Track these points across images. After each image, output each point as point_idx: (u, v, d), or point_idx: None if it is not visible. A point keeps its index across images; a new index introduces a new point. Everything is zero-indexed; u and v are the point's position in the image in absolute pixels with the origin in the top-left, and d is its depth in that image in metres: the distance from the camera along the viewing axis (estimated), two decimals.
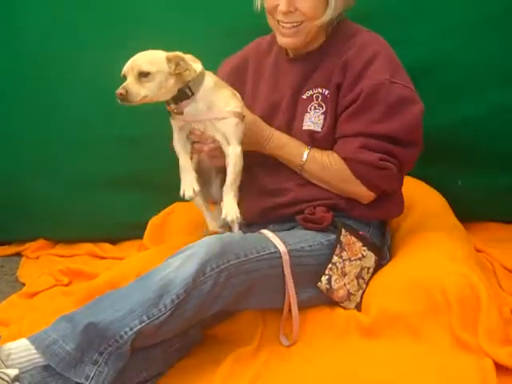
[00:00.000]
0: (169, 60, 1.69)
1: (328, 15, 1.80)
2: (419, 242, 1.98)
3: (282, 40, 1.87)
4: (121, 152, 2.54)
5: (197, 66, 1.78)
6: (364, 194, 1.85)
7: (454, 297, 1.65)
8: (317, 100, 1.88)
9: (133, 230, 2.64)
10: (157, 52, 1.74)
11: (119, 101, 1.67)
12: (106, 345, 1.47)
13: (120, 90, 1.65)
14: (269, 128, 1.90)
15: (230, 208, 1.79)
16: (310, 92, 1.89)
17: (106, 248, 2.71)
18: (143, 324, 1.50)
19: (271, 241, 1.74)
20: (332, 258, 1.79)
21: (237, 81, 2.00)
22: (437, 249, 1.90)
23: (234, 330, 1.82)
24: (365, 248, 1.85)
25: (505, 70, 2.22)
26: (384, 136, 1.77)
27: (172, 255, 1.66)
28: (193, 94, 1.75)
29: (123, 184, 2.60)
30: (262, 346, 1.75)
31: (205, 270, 1.57)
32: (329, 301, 1.81)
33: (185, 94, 1.75)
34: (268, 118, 1.93)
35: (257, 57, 2.06)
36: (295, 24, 1.80)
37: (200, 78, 1.77)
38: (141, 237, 2.52)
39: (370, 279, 1.86)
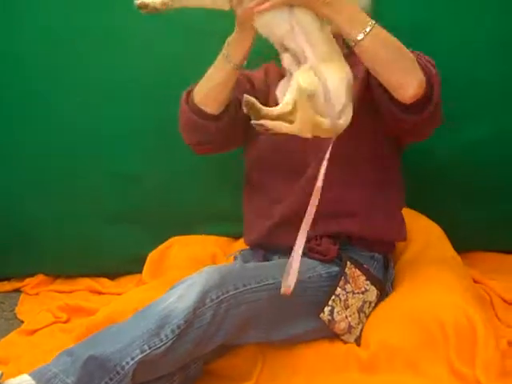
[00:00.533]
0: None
1: None
2: (417, 275, 1.98)
3: None
4: (120, 188, 2.55)
5: None
6: (420, 82, 1.66)
7: (451, 329, 1.65)
8: None
9: (132, 265, 2.64)
10: None
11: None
12: (108, 378, 1.46)
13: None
14: None
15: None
16: None
17: (105, 283, 2.71)
18: (144, 353, 1.49)
19: (269, 271, 1.75)
20: (336, 289, 1.79)
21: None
22: (435, 282, 1.90)
23: (233, 365, 1.80)
24: (368, 282, 1.86)
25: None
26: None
27: (172, 287, 1.67)
28: None
29: (122, 219, 2.60)
30: (260, 381, 1.75)
31: (205, 300, 1.58)
32: (327, 334, 1.81)
33: None
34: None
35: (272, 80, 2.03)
36: None
37: None
38: (140, 271, 2.53)
39: (370, 313, 1.87)
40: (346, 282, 1.81)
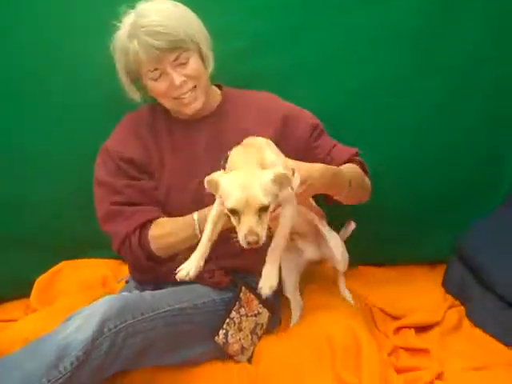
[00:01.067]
0: (275, 181, 1.52)
1: (208, 71, 1.92)
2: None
3: (189, 108, 1.90)
4: (4, 212, 2.47)
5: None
6: (369, 184, 2.06)
7: (338, 344, 1.78)
8: None
9: (18, 290, 2.55)
10: (262, 173, 1.54)
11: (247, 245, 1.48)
12: None
13: (251, 239, 1.46)
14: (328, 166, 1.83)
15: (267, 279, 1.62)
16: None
17: None
18: None
19: (165, 299, 1.78)
20: (231, 313, 1.86)
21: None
22: (322, 302, 2.08)
23: None
24: (261, 305, 1.93)
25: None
26: None
27: (68, 317, 1.67)
28: None
29: (6, 243, 2.52)
30: None
31: (103, 330, 1.59)
32: (220, 354, 1.87)
33: None
34: (186, 185, 1.93)
35: (146, 132, 2.00)
36: (191, 89, 1.87)
37: None
38: (27, 296, 2.46)
39: (262, 335, 1.95)
40: (241, 306, 1.88)
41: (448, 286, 2.46)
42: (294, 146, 1.95)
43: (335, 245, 2.05)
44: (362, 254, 2.54)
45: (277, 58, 2.28)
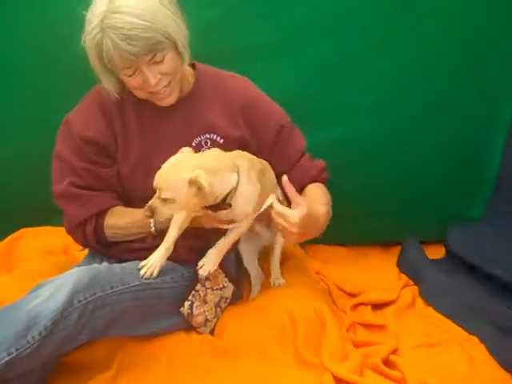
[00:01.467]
0: (191, 183, 1.58)
1: (185, 63, 1.82)
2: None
3: (163, 102, 1.86)
4: None
5: (232, 177, 1.68)
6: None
7: (300, 321, 1.84)
8: (206, 145, 1.91)
9: None
10: (181, 171, 1.60)
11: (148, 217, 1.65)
12: None
13: (147, 213, 1.61)
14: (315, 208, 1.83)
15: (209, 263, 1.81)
16: (199, 139, 1.90)
17: None
18: (11, 356, 1.48)
19: (136, 272, 1.79)
20: (196, 285, 1.89)
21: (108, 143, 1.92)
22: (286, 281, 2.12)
23: (92, 357, 1.83)
24: (226, 279, 1.97)
25: (351, 103, 2.42)
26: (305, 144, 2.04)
27: (38, 285, 1.66)
28: (230, 206, 1.71)
29: None
30: (120, 371, 1.78)
31: (72, 302, 1.59)
32: (186, 326, 1.90)
33: (221, 206, 1.70)
34: (151, 169, 1.80)
35: (114, 109, 1.92)
36: (166, 84, 1.80)
37: (235, 189, 1.69)
38: None
39: (226, 307, 1.99)
40: (207, 278, 1.91)
41: (402, 266, 2.56)
42: (256, 146, 1.97)
43: None
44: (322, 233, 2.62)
45: (254, 30, 2.29)
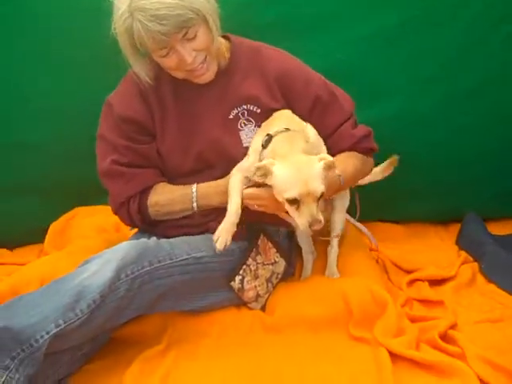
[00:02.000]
0: (324, 168, 1.63)
1: (217, 37, 1.80)
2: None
3: (202, 79, 1.84)
4: (16, 158, 2.47)
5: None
6: (372, 163, 2.06)
7: (355, 304, 1.79)
8: (243, 116, 1.89)
9: (31, 236, 2.58)
10: (314, 161, 1.63)
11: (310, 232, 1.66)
12: (20, 349, 1.45)
13: (317, 227, 1.59)
14: None
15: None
16: (235, 111, 1.89)
17: (4, 254, 2.61)
18: (59, 328, 1.49)
19: (183, 247, 1.78)
20: (247, 259, 1.86)
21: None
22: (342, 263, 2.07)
23: (142, 331, 1.83)
24: (278, 254, 1.94)
25: (389, 83, 2.36)
26: (352, 111, 1.98)
27: (86, 261, 1.67)
28: None
29: (20, 190, 2.53)
30: (170, 345, 1.78)
31: (120, 276, 1.60)
32: (237, 302, 1.88)
33: None
34: (187, 148, 1.90)
35: (151, 89, 1.91)
36: (203, 60, 1.79)
37: None
38: (40, 242, 2.49)
39: (277, 284, 1.96)
40: (258, 253, 1.89)
41: (462, 242, 2.46)
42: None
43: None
44: (378, 210, 2.55)
45: (301, 3, 2.26)
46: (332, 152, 1.86)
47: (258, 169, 1.61)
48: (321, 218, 1.58)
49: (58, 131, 2.42)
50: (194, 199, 1.85)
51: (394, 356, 1.64)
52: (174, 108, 1.91)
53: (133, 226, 2.02)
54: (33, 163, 2.48)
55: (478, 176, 2.57)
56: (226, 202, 1.75)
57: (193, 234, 1.87)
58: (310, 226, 1.57)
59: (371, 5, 2.26)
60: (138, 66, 1.82)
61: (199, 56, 1.76)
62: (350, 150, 1.95)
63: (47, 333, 1.47)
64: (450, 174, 2.55)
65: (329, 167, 1.63)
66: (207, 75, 1.83)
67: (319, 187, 1.59)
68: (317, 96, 1.91)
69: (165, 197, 1.90)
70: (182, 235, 1.87)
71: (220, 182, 1.84)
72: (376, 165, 2.17)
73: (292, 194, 1.57)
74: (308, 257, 2.10)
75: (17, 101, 2.39)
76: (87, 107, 2.27)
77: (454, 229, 2.61)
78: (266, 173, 1.62)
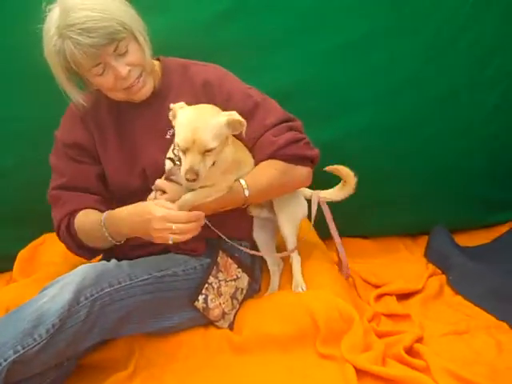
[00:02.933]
0: (228, 124, 1.63)
1: (148, 54, 1.82)
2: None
3: (139, 95, 1.85)
4: None
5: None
6: (304, 172, 1.95)
7: (322, 321, 1.77)
8: None
9: (0, 264, 2.56)
10: (215, 115, 1.63)
11: (188, 182, 1.58)
12: None
13: (189, 176, 1.56)
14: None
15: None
16: (172, 130, 1.84)
17: None
18: (17, 354, 1.48)
19: (144, 267, 1.77)
20: (208, 278, 1.85)
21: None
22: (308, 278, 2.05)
23: (109, 357, 1.82)
24: (239, 270, 1.94)
25: (356, 96, 2.38)
26: (280, 120, 1.92)
27: (45, 286, 1.66)
28: None
29: None
30: (137, 370, 1.77)
31: (79, 298, 1.59)
32: (204, 321, 1.87)
33: None
34: (131, 167, 1.90)
35: (90, 113, 1.93)
36: (138, 76, 1.81)
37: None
38: (9, 270, 2.44)
39: (243, 300, 1.95)
40: (219, 270, 1.88)
41: (430, 255, 2.49)
42: None
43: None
44: (346, 225, 2.55)
45: (261, 21, 2.27)
46: (257, 161, 1.89)
47: (172, 109, 1.65)
48: (199, 170, 1.56)
49: (22, 157, 2.40)
50: (103, 227, 1.79)
51: (360, 372, 1.64)
52: (114, 129, 1.93)
53: (73, 252, 1.98)
54: (1, 189, 2.46)
55: (445, 188, 2.60)
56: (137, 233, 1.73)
57: (158, 254, 1.86)
58: (185, 173, 1.55)
59: (336, 18, 2.29)
60: (74, 92, 1.84)
61: (134, 71, 1.79)
62: (270, 157, 1.90)
63: (5, 360, 1.47)
64: (417, 187, 2.58)
65: (232, 126, 1.63)
66: (144, 90, 1.85)
67: (208, 139, 1.56)
68: (243, 105, 1.89)
69: (87, 222, 1.86)
70: (148, 255, 1.85)
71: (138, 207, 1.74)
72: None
73: (179, 138, 1.58)
74: (274, 269, 2.10)
75: None
76: (52, 133, 2.28)
77: (423, 241, 2.65)
78: (174, 114, 1.65)
